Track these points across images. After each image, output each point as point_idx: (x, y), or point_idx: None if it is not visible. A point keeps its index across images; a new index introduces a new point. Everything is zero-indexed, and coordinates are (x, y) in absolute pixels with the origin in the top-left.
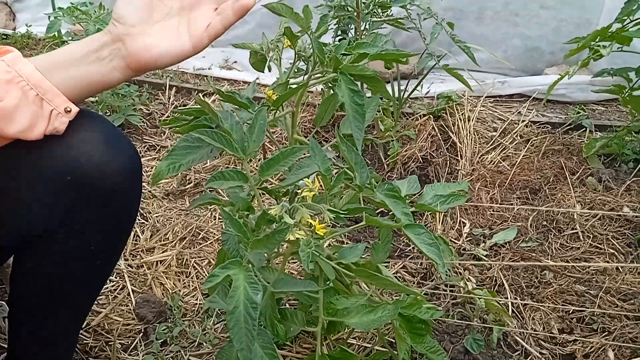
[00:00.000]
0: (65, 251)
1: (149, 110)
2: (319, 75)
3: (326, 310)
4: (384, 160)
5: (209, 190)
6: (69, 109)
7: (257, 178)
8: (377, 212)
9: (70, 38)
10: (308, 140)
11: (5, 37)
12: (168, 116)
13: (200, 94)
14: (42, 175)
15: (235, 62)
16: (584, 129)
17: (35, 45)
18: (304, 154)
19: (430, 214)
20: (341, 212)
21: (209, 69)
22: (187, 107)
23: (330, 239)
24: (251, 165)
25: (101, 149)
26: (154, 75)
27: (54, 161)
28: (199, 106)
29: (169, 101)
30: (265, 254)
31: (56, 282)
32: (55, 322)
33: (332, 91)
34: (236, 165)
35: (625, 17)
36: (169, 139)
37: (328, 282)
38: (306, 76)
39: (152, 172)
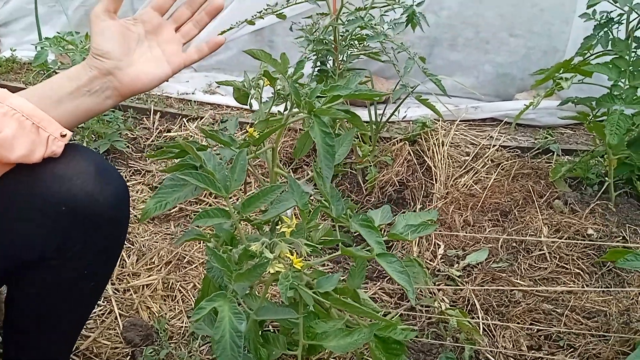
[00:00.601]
0: (58, 277)
1: (133, 135)
2: (296, 114)
3: (306, 334)
4: (362, 185)
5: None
6: (64, 134)
7: (239, 210)
8: (354, 236)
9: (57, 67)
10: (290, 170)
11: None
12: (152, 141)
13: (184, 119)
14: (38, 206)
15: (219, 86)
16: (552, 152)
17: (20, 69)
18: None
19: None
20: (316, 245)
21: (192, 93)
22: (178, 135)
23: (307, 269)
24: (233, 196)
25: (93, 181)
26: (139, 100)
27: (50, 192)
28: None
29: (153, 126)
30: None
31: (49, 306)
32: (48, 344)
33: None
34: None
35: (586, 51)
36: (154, 164)
37: (308, 307)
38: (285, 113)
39: (142, 209)
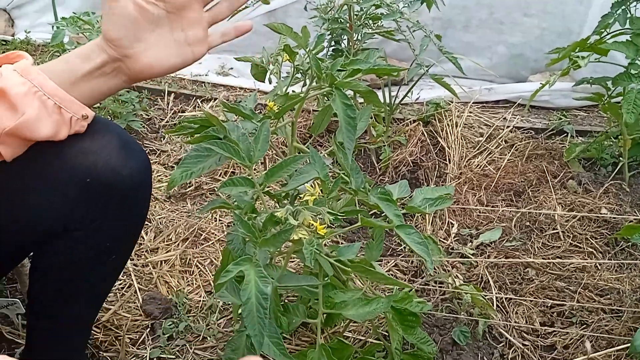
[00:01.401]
0: (82, 248)
1: (148, 116)
2: (316, 87)
3: (325, 304)
4: (376, 165)
5: (217, 195)
6: (86, 115)
7: (261, 183)
8: (370, 214)
9: (73, 47)
10: (306, 147)
11: (4, 42)
12: (167, 121)
13: (198, 100)
14: (64, 178)
15: (232, 68)
16: (566, 134)
17: (35, 51)
18: (303, 162)
19: (420, 215)
20: (339, 214)
21: (205, 75)
22: (192, 116)
23: (329, 238)
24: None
25: (117, 154)
26: (153, 81)
27: (75, 165)
28: (203, 115)
29: (167, 107)
30: (269, 253)
31: (73, 278)
32: (70, 316)
33: (327, 100)
34: (234, 171)
35: (603, 30)
36: (169, 144)
37: (326, 278)
38: (304, 89)
39: (168, 179)
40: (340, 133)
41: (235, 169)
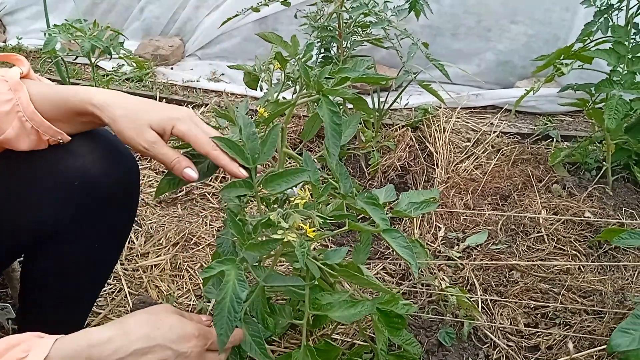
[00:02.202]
0: (72, 250)
1: None
2: (306, 95)
3: (312, 305)
4: (365, 170)
5: (207, 199)
6: (61, 140)
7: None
8: (359, 218)
9: (65, 54)
10: (297, 153)
11: None
12: None
13: (189, 106)
14: (53, 180)
15: (223, 74)
16: (552, 139)
17: (26, 57)
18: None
19: (408, 219)
20: (328, 217)
21: (197, 81)
22: None
23: (317, 242)
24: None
25: (105, 158)
26: (145, 87)
27: (64, 168)
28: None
29: None
30: (258, 255)
31: (63, 280)
32: (61, 320)
33: (317, 107)
34: (225, 177)
35: (586, 38)
36: None
37: (313, 281)
38: (294, 96)
39: (155, 188)
40: (327, 139)
41: (225, 174)
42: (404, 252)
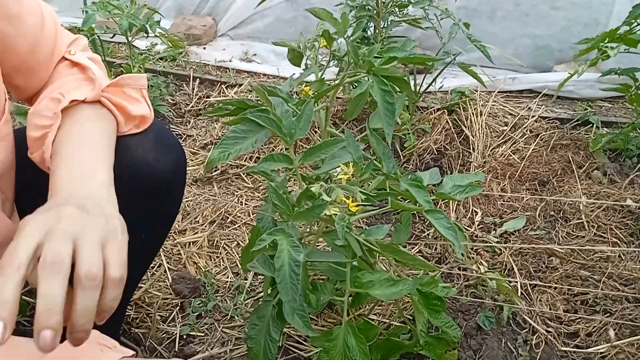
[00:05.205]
0: None
1: (174, 101)
2: (351, 74)
3: (352, 283)
4: (400, 152)
5: (242, 178)
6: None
7: (299, 160)
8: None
9: (102, 31)
10: (339, 132)
11: None
12: (192, 106)
13: (223, 86)
14: None
15: (255, 54)
16: (591, 124)
17: None
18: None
19: (444, 203)
20: (370, 194)
21: (229, 61)
22: (228, 98)
23: (360, 219)
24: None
25: (153, 150)
26: (178, 66)
27: (116, 160)
28: (237, 97)
29: (192, 92)
30: (301, 228)
31: None
32: None
33: (352, 87)
34: (259, 157)
35: (633, 21)
36: (194, 129)
37: (355, 258)
38: (340, 74)
39: (193, 163)
40: (379, 118)
41: (260, 155)
42: (448, 233)
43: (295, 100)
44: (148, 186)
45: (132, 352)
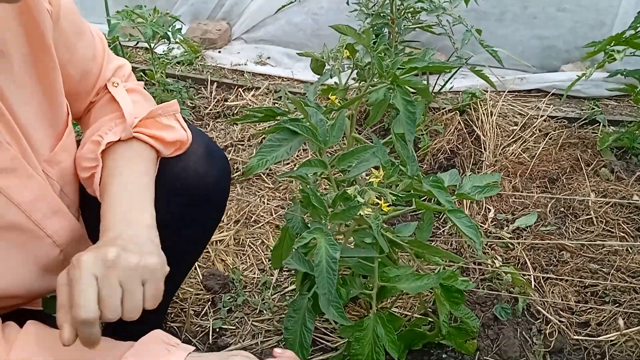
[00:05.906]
0: (173, 242)
1: (193, 104)
2: (377, 84)
3: (380, 278)
4: (414, 153)
5: (262, 179)
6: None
7: (332, 165)
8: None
9: (127, 39)
10: (362, 137)
11: None
12: (211, 109)
13: (240, 89)
14: (160, 182)
15: (269, 57)
16: (598, 123)
17: None
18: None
19: (459, 201)
20: (400, 195)
21: (245, 64)
22: (258, 106)
23: (392, 218)
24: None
25: (203, 161)
26: (195, 70)
27: (169, 171)
28: (265, 105)
29: (211, 95)
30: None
31: None
32: None
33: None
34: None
35: (638, 25)
36: (214, 131)
37: (384, 254)
38: (362, 84)
39: (245, 166)
40: (401, 125)
41: (289, 161)
42: (469, 232)
43: (323, 109)
44: (197, 194)
45: (192, 348)
